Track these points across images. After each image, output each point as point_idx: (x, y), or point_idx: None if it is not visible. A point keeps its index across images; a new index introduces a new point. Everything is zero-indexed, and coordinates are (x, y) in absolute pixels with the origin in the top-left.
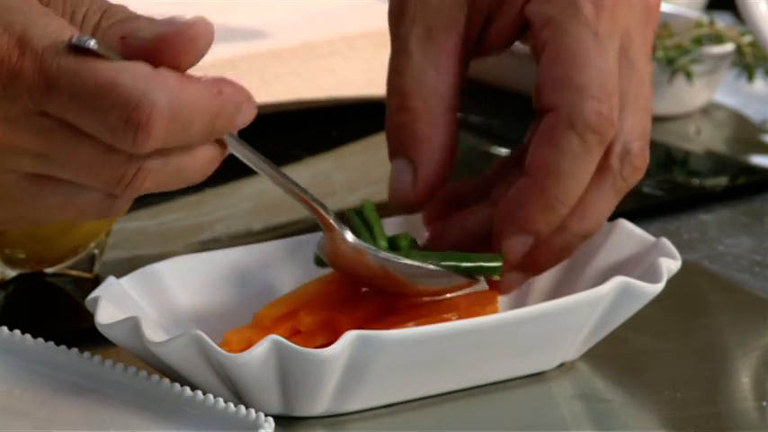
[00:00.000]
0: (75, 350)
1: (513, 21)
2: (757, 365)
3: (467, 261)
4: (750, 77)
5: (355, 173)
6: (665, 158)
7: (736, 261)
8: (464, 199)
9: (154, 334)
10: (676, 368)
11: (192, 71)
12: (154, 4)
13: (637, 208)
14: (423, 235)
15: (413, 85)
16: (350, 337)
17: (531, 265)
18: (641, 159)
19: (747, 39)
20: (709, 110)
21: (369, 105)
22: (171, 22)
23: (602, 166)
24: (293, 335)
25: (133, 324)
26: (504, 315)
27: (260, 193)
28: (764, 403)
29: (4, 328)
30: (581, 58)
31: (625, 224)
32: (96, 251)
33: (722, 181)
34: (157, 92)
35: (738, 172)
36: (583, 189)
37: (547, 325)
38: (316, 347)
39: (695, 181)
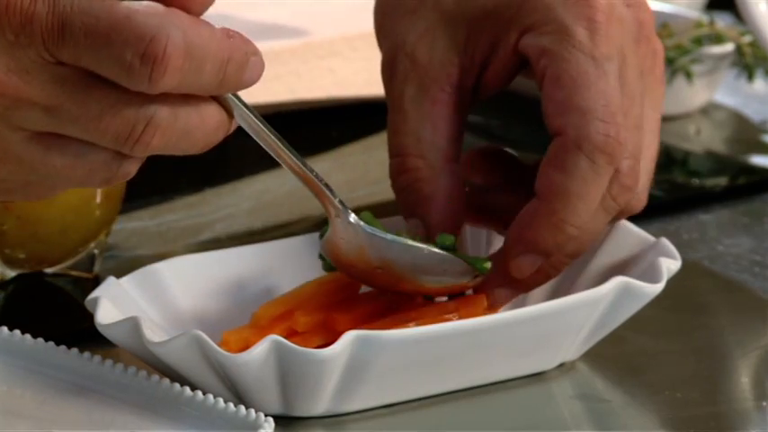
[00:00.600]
0: (75, 350)
1: (509, 60)
2: (757, 365)
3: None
4: (750, 77)
5: (355, 173)
6: (665, 158)
7: (736, 261)
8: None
9: (153, 334)
10: (676, 368)
11: None
12: None
13: None
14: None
15: (410, 143)
16: (350, 337)
17: (519, 283)
18: (631, 178)
19: (747, 39)
20: (708, 110)
21: (369, 105)
22: None
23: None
24: (291, 335)
25: (133, 324)
26: (503, 315)
27: (260, 193)
28: (764, 403)
29: (4, 328)
30: (582, 82)
31: (625, 224)
32: (96, 251)
33: (722, 181)
34: (172, 27)
35: (738, 172)
36: (593, 210)
37: (547, 325)
38: (315, 348)
39: (695, 181)
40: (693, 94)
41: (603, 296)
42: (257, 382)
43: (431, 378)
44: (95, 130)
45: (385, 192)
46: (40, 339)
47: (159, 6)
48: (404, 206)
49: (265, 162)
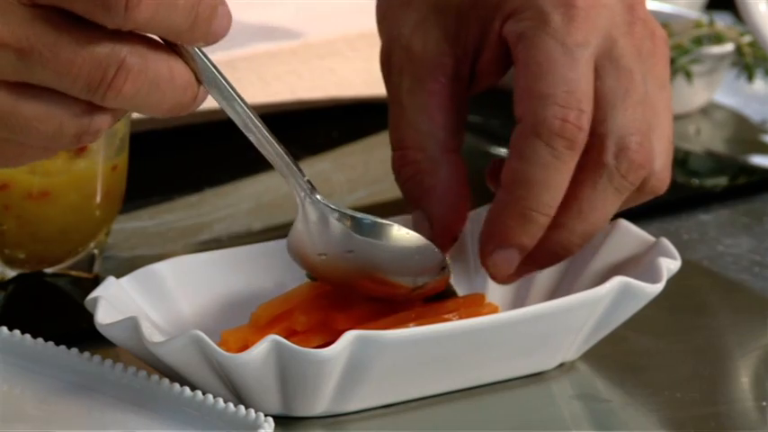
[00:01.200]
0: (75, 350)
1: (497, 47)
2: (757, 365)
3: None
4: (750, 77)
5: (355, 173)
6: None
7: (736, 261)
8: None
9: (153, 334)
10: (676, 368)
11: None
12: None
13: (637, 208)
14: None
15: (409, 136)
16: (349, 337)
17: (530, 263)
18: (640, 154)
19: (747, 39)
20: (708, 110)
21: (369, 105)
22: None
23: (597, 165)
24: (291, 335)
25: (133, 324)
26: (504, 315)
27: (260, 194)
28: (764, 403)
29: (4, 328)
30: (546, 69)
31: (625, 224)
32: (96, 251)
33: (722, 181)
34: None
35: (738, 172)
36: (560, 196)
37: (547, 325)
38: (314, 347)
39: (695, 181)
40: (693, 94)
41: (603, 296)
42: (257, 382)
43: (431, 378)
44: (67, 74)
45: (385, 192)
46: (40, 339)
47: None
48: (408, 199)
49: (265, 162)
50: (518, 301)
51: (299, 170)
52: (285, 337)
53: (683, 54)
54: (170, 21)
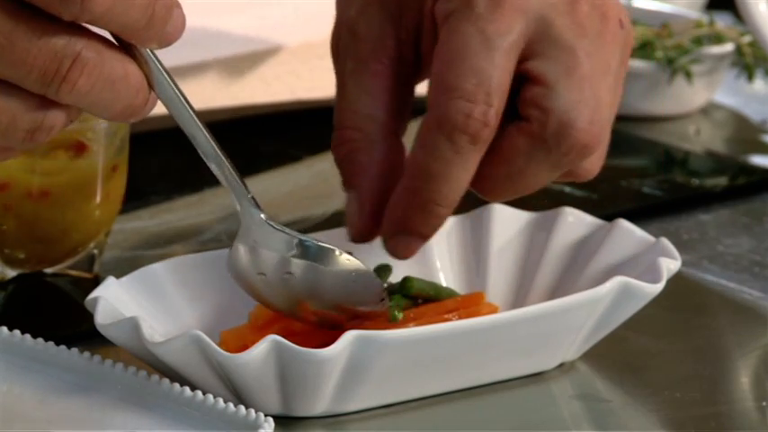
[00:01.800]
0: (75, 350)
1: (434, 28)
2: (757, 365)
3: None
4: (750, 77)
5: None
6: (665, 158)
7: (736, 261)
8: None
9: (153, 334)
10: (676, 368)
11: (190, 66)
12: None
13: (637, 208)
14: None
15: (348, 116)
16: (349, 337)
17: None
18: (584, 132)
19: (747, 39)
20: (708, 110)
21: None
22: None
23: (536, 139)
24: (289, 334)
25: (132, 324)
26: (504, 315)
27: (260, 194)
28: (764, 403)
29: (4, 328)
30: (459, 57)
31: (625, 224)
32: (96, 251)
33: (722, 181)
34: None
35: (738, 172)
36: (462, 189)
37: (547, 325)
38: (314, 347)
39: (695, 181)
40: (693, 94)
41: (603, 296)
42: (257, 382)
43: (431, 378)
44: (22, 64)
45: None
46: (40, 339)
47: None
48: (342, 177)
49: (265, 162)
50: (518, 301)
51: (245, 186)
52: (284, 337)
53: (683, 54)
54: (126, 16)
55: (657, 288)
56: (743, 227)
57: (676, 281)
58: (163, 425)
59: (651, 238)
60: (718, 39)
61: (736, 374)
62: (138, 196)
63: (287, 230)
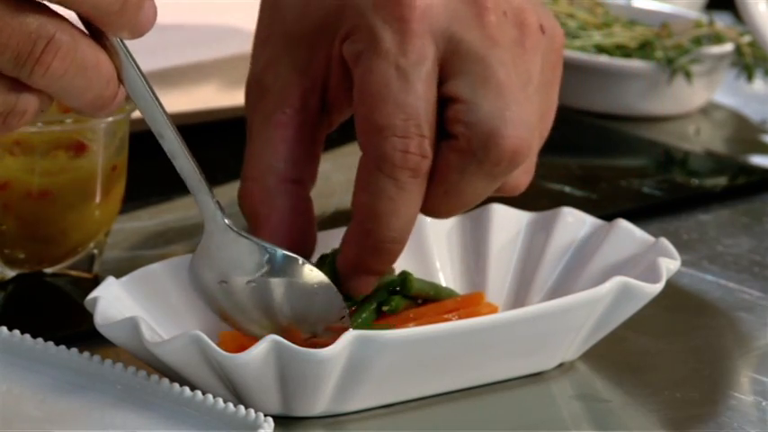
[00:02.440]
0: (75, 350)
1: (342, 71)
2: (757, 365)
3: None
4: (749, 77)
5: (355, 173)
6: (665, 158)
7: (736, 261)
8: None
9: (153, 334)
10: (676, 368)
11: (189, 66)
12: None
13: (636, 208)
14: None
15: (249, 168)
16: (349, 337)
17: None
18: (510, 139)
19: (747, 39)
20: (708, 110)
21: None
22: None
23: (464, 153)
24: None
25: (132, 324)
26: (503, 315)
27: None
28: (764, 403)
29: (4, 328)
30: (382, 96)
31: (624, 224)
32: (96, 251)
33: (721, 181)
34: None
35: (738, 172)
36: (413, 221)
37: (546, 325)
38: (314, 347)
39: (694, 181)
40: (693, 94)
41: (603, 296)
42: (257, 382)
43: (431, 378)
44: None
45: None
46: (40, 339)
47: None
48: (251, 231)
49: None
50: (518, 302)
51: (210, 190)
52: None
53: (683, 54)
54: (103, 1)
55: (657, 288)
56: (743, 227)
57: (676, 281)
58: (163, 425)
59: (651, 238)
60: (717, 39)
61: (736, 374)
62: (138, 196)
63: (251, 237)
